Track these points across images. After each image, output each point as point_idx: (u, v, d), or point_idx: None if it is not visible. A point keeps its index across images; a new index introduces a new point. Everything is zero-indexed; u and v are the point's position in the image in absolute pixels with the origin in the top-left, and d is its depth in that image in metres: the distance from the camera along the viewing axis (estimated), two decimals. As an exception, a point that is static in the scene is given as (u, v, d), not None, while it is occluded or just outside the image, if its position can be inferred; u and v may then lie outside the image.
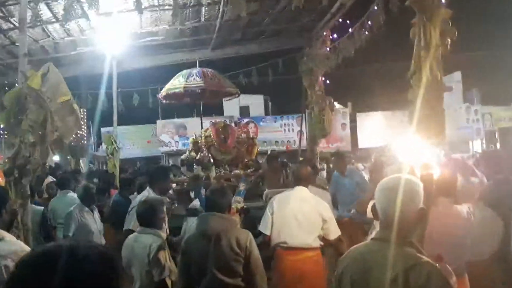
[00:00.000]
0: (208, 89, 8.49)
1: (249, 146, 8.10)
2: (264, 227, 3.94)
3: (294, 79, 10.47)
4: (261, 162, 8.60)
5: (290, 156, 13.89)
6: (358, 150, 15.96)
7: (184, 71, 8.61)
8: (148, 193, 4.33)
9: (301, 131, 12.25)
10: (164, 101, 9.66)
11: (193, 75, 8.39)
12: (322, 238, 3.95)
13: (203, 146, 7.72)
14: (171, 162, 16.37)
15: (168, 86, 8.62)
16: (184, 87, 8.25)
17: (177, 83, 8.44)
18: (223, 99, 10.09)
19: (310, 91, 9.25)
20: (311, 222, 3.89)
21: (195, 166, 7.28)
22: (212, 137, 7.79)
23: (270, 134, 17.05)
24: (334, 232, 3.94)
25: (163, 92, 8.83)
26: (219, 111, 18.30)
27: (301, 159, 9.53)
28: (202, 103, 9.60)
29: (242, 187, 6.19)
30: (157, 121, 18.13)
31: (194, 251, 3.22)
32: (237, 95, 9.26)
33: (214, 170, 7.13)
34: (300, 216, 3.90)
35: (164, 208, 3.87)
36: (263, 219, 4.05)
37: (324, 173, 10.12)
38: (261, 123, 17.26)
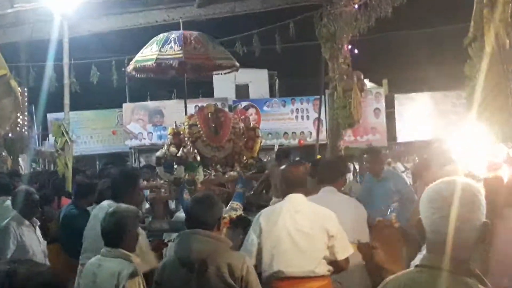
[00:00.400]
0: (189, 62, 8.49)
1: (249, 139, 8.03)
2: (246, 253, 3.88)
3: (310, 48, 10.63)
4: (265, 161, 8.77)
5: (305, 153, 13.64)
6: (397, 145, 16.00)
7: (161, 36, 8.55)
8: (108, 206, 4.31)
9: (319, 119, 12.37)
10: (133, 77, 9.70)
11: (170, 41, 8.34)
12: (332, 262, 3.98)
13: (186, 139, 7.63)
14: (142, 161, 16.62)
15: (138, 56, 8.66)
16: (157, 59, 8.26)
17: (148, 52, 8.46)
18: (214, 73, 10.08)
19: (332, 64, 9.49)
20: (312, 241, 3.90)
21: (175, 167, 7.23)
22: (199, 126, 7.69)
23: (277, 123, 17.03)
24: (344, 250, 3.97)
25: (131, 65, 8.82)
26: (208, 92, 18.18)
27: (318, 157, 9.59)
28: (187, 80, 9.00)
29: (240, 189, 6.32)
30: (124, 105, 17.93)
31: (171, 283, 3.24)
32: (234, 69, 9.25)
33: (201, 171, 7.10)
34: (297, 234, 3.91)
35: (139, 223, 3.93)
36: (244, 242, 4.08)
37: (350, 176, 10.17)
38: (264, 107, 17.14)
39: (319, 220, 3.92)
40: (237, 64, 8.87)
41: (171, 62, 8.26)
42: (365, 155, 7.56)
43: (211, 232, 3.30)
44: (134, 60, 8.69)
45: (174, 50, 8.17)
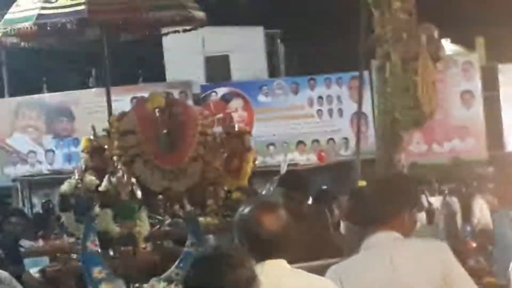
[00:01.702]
0: (96, 18, 7.71)
1: (232, 154, 7.34)
2: None
3: None
4: (263, 193, 8.50)
5: (335, 178, 11.82)
6: (507, 156, 14.25)
7: None
8: None
9: (359, 113, 10.38)
10: (13, 48, 9.25)
11: None
12: None
13: (115, 159, 6.93)
14: (37, 203, 15.06)
15: (10, 12, 7.98)
16: (39, 16, 7.50)
17: (25, 3, 7.81)
18: (162, 32, 9.23)
19: (381, 12, 7.88)
20: None
21: (96, 211, 6.43)
22: (137, 134, 7.00)
23: (284, 125, 15.83)
24: None
25: None
26: (155, 72, 17.40)
27: (361, 184, 7.93)
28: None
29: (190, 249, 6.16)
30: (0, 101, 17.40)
31: None
32: (194, 26, 8.28)
33: (145, 218, 6.48)
34: None
35: None
36: None
37: (422, 217, 9.15)
38: (260, 97, 15.85)
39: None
40: (200, 14, 8.12)
41: (63, 20, 7.56)
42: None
43: None
44: (3, 19, 8.12)
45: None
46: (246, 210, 3.82)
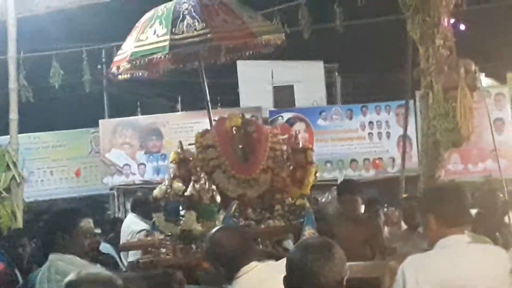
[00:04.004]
0: (223, 43, 7.91)
1: (297, 167, 7.42)
2: None
3: (390, 24, 10.62)
4: (322, 201, 8.65)
5: (384, 188, 12.76)
6: None
7: (161, 8, 7.70)
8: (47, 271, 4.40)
9: (405, 136, 11.23)
10: (115, 79, 9.13)
11: (183, 15, 7.51)
12: None
13: (198, 169, 7.06)
14: (128, 208, 15.34)
15: (133, 46, 7.78)
16: (172, 45, 7.42)
17: (151, 37, 7.62)
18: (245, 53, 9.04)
19: (425, 49, 8.10)
20: None
21: (182, 213, 6.75)
22: (217, 148, 7.13)
23: (339, 145, 16.43)
24: None
25: (121, 61, 7.95)
26: (230, 99, 18.01)
27: (404, 196, 9.00)
28: (204, 78, 8.34)
29: (307, 231, 6.30)
30: (101, 122, 17.67)
31: None
32: (277, 42, 8.13)
33: (222, 219, 6.77)
34: None
35: None
36: None
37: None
38: (320, 121, 16.49)
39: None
40: (283, 37, 8.23)
41: (194, 47, 7.76)
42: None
43: None
44: (126, 52, 7.89)
45: (195, 29, 7.46)
46: (212, 232, 4.37)
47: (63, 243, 4.53)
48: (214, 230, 4.46)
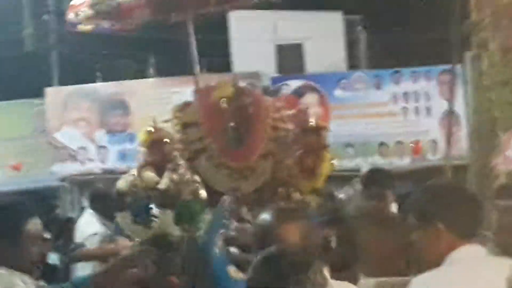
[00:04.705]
0: None
1: (307, 152, 7.34)
2: None
3: None
4: (340, 196, 8.26)
5: (424, 181, 11.85)
6: None
7: None
8: None
9: (451, 112, 10.54)
10: (71, 33, 9.97)
11: None
12: None
13: (176, 154, 7.08)
14: (85, 205, 14.41)
15: None
16: None
17: None
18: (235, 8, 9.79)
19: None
20: None
21: (154, 211, 6.27)
22: (201, 126, 7.17)
23: (364, 124, 15.82)
24: None
25: (77, 6, 7.92)
26: (220, 61, 17.19)
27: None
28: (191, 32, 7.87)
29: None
30: (48, 91, 16.88)
31: None
32: None
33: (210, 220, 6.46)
34: None
35: None
36: None
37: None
38: (337, 91, 15.85)
39: None
40: None
41: None
42: None
43: None
44: None
45: None
46: (269, 220, 3.92)
47: (3, 252, 4.24)
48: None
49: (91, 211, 8.03)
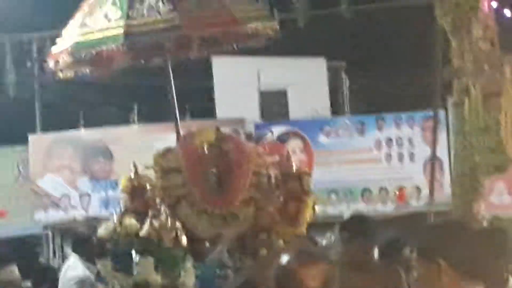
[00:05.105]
0: (195, 34, 7.69)
1: (289, 199, 7.36)
2: None
3: (413, 10, 10.97)
4: (324, 242, 8.84)
5: (407, 227, 12.48)
6: None
7: None
8: None
9: (434, 158, 10.54)
10: (53, 79, 9.26)
11: None
12: None
13: (158, 201, 7.10)
14: (67, 252, 14.46)
15: (72, 34, 7.79)
16: (128, 33, 7.38)
17: (101, 22, 7.63)
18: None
19: (459, 41, 8.25)
20: None
21: (136, 258, 6.62)
22: (183, 172, 7.16)
23: (347, 170, 15.89)
24: None
25: (57, 54, 7.85)
26: (204, 108, 17.43)
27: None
28: (171, 79, 8.11)
29: None
30: (31, 138, 16.83)
31: None
32: (268, 32, 8.03)
33: (190, 269, 6.66)
34: None
35: None
36: None
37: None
38: (321, 138, 15.90)
39: None
40: (276, 25, 8.16)
41: (158, 37, 7.70)
42: None
43: None
44: (68, 41, 7.81)
45: (159, 12, 7.45)
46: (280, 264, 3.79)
47: None
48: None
49: (75, 255, 8.01)
